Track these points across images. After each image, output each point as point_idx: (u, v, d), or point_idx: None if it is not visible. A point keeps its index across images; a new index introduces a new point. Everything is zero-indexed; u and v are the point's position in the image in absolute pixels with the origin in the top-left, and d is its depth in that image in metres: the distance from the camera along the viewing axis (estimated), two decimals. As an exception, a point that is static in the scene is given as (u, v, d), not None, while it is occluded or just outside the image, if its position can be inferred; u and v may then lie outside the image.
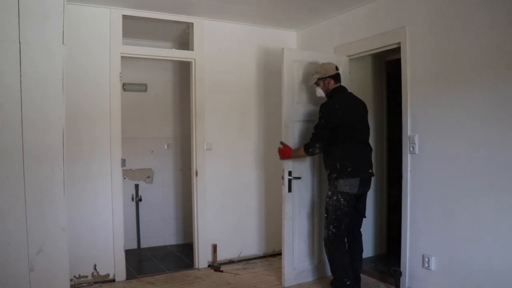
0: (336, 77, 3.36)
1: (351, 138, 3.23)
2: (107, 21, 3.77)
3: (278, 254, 4.60)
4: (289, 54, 3.64)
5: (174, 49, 4.52)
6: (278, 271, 4.04)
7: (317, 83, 3.39)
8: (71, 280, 3.45)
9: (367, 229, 4.32)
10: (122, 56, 3.86)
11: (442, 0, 3.09)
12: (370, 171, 3.33)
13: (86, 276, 3.71)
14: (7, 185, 2.71)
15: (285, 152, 3.55)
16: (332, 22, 4.22)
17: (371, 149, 3.41)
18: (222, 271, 4.07)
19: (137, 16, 3.90)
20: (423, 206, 3.27)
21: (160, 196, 5.17)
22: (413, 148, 3.32)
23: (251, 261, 4.40)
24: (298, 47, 4.70)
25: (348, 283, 3.19)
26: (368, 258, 4.26)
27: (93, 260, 3.72)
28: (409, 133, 3.37)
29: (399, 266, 3.45)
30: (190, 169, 4.33)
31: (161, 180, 5.17)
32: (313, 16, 4.21)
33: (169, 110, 5.20)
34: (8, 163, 2.72)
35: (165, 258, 4.64)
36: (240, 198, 4.46)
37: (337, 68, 3.38)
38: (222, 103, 4.34)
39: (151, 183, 5.11)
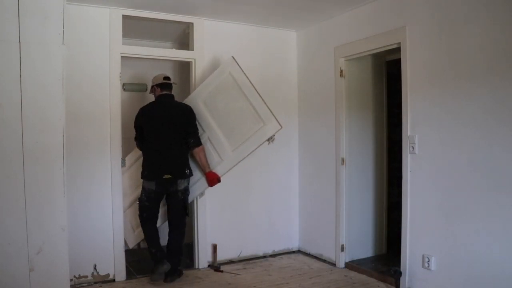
0: (163, 85, 3.76)
1: (150, 145, 3.66)
2: (107, 21, 3.77)
3: (278, 254, 4.61)
4: (231, 65, 3.83)
5: (174, 49, 4.52)
6: (279, 271, 4.05)
7: (151, 91, 3.86)
8: (71, 280, 3.45)
9: (367, 229, 4.33)
10: (122, 56, 3.85)
11: (442, 0, 3.09)
12: (167, 176, 3.61)
13: (86, 276, 3.71)
14: (7, 185, 2.71)
15: None
16: (332, 22, 4.22)
17: (178, 155, 3.68)
18: (222, 271, 4.07)
19: (137, 16, 3.89)
20: (423, 206, 3.27)
21: (160, 196, 5.15)
22: (413, 148, 3.32)
23: (251, 261, 4.40)
24: (298, 47, 4.72)
25: (153, 251, 3.69)
26: (368, 258, 4.27)
27: (93, 260, 3.72)
28: (409, 133, 3.37)
29: (399, 266, 3.45)
30: (190, 169, 4.33)
31: (161, 180, 5.15)
32: (313, 16, 4.21)
33: (169, 110, 5.19)
34: (8, 163, 2.71)
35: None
36: (240, 198, 4.46)
37: (166, 78, 3.78)
38: (222, 103, 4.33)
39: (151, 183, 5.09)
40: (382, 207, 4.43)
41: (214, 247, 4.26)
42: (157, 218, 3.84)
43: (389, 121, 4.48)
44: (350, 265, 4.10)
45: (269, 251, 4.61)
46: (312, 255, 4.54)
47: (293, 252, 4.72)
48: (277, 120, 3.69)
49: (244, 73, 3.78)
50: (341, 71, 4.09)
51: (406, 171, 3.38)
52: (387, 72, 4.46)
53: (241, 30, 4.42)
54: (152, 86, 3.82)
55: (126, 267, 3.89)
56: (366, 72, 4.29)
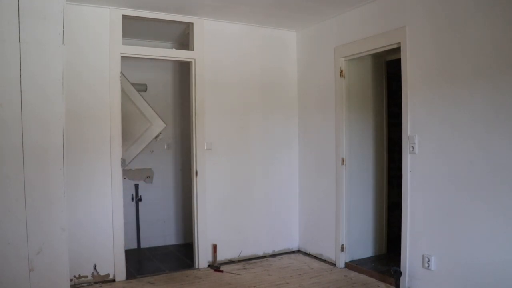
0: None
1: None
2: (107, 21, 3.77)
3: (278, 254, 4.61)
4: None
5: (174, 49, 4.51)
6: (279, 271, 4.05)
7: None
8: (71, 280, 3.46)
9: (367, 229, 4.33)
10: (122, 56, 3.86)
11: (442, 0, 3.09)
12: None
13: (86, 276, 3.71)
14: (7, 185, 2.71)
15: None
16: (332, 22, 4.22)
17: None
18: (222, 271, 4.07)
19: (137, 16, 3.90)
20: (423, 206, 3.27)
21: (160, 196, 5.16)
22: (413, 148, 3.32)
23: (251, 261, 4.40)
24: (298, 47, 4.72)
25: None
26: (368, 258, 4.27)
27: (93, 260, 3.72)
28: (409, 133, 3.37)
29: (399, 266, 3.45)
30: (190, 169, 4.33)
31: (161, 180, 5.17)
32: (313, 16, 4.21)
33: (169, 110, 5.20)
34: (8, 163, 2.72)
35: (165, 258, 4.65)
36: (240, 198, 4.46)
37: None
38: (222, 103, 4.34)
39: (151, 183, 5.10)
40: (382, 207, 4.43)
41: (214, 247, 4.26)
42: None
43: (389, 121, 4.48)
44: (350, 265, 4.10)
45: (269, 251, 4.61)
46: (312, 255, 4.54)
47: (293, 252, 4.73)
48: (162, 119, 4.26)
49: (130, 83, 4.24)
50: (341, 71, 4.09)
51: (406, 171, 3.38)
52: (387, 72, 4.46)
53: (241, 30, 4.42)
54: None
55: (126, 267, 3.89)
56: (366, 72, 4.29)
